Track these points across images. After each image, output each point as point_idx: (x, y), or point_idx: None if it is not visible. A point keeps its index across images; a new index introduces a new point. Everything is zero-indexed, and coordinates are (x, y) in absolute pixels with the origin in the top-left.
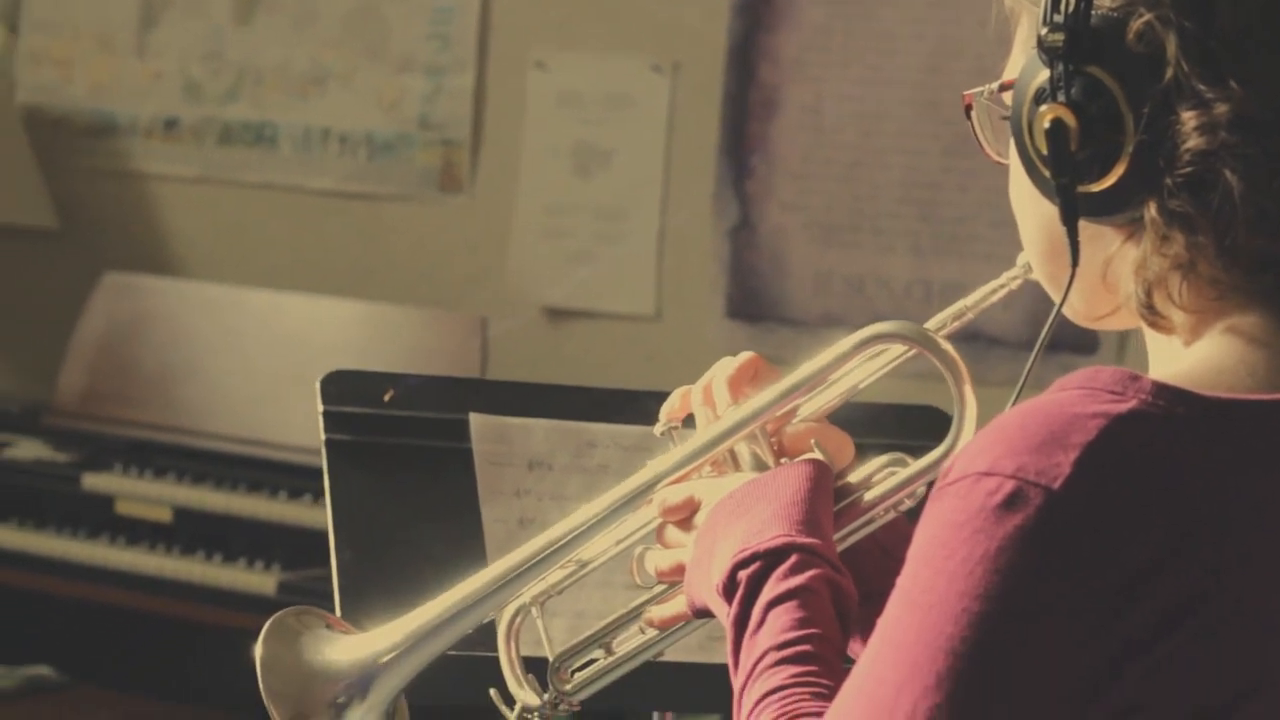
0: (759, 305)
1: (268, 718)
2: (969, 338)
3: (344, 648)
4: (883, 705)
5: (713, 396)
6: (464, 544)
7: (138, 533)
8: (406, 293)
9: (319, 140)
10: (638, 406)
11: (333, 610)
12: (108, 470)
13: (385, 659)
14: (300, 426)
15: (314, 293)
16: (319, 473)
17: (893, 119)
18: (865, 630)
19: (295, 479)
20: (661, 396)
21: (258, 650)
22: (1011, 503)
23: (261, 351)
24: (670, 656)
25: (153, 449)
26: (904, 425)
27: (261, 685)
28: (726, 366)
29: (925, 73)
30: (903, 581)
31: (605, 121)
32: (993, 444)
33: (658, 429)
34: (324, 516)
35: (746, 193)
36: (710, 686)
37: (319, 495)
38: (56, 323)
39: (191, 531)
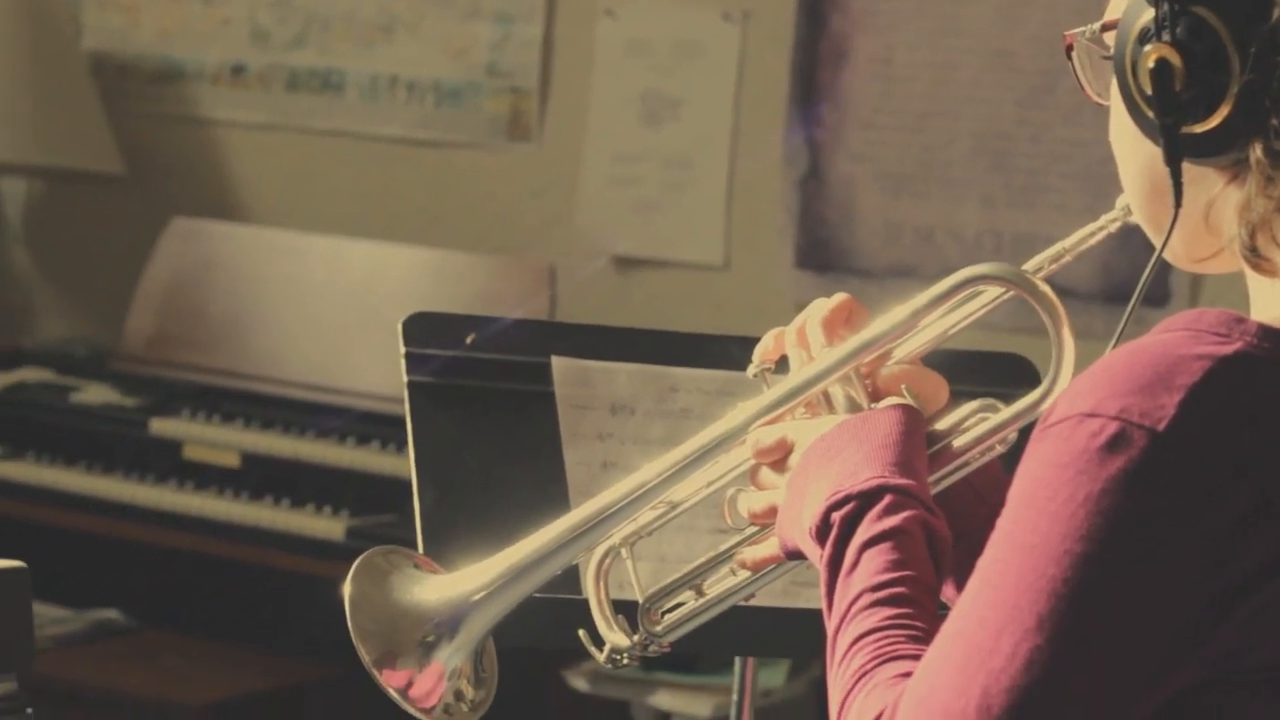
0: (828, 255)
1: (336, 660)
2: None
3: (433, 587)
4: (982, 647)
5: (807, 338)
6: (546, 487)
7: (206, 477)
8: (474, 240)
9: (386, 87)
10: (720, 351)
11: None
12: (175, 415)
13: (476, 598)
14: (369, 373)
15: (381, 240)
16: (387, 419)
17: (964, 69)
18: (958, 574)
19: (364, 425)
20: (743, 341)
21: (346, 589)
22: (1115, 444)
23: (329, 298)
24: (753, 601)
25: (220, 394)
26: (987, 372)
27: (350, 624)
28: (821, 308)
29: (997, 23)
30: (1003, 523)
31: (674, 70)
32: (1097, 385)
33: (750, 370)
34: (392, 462)
35: (816, 142)
36: (793, 632)
37: (387, 441)
38: (124, 268)
39: (259, 476)
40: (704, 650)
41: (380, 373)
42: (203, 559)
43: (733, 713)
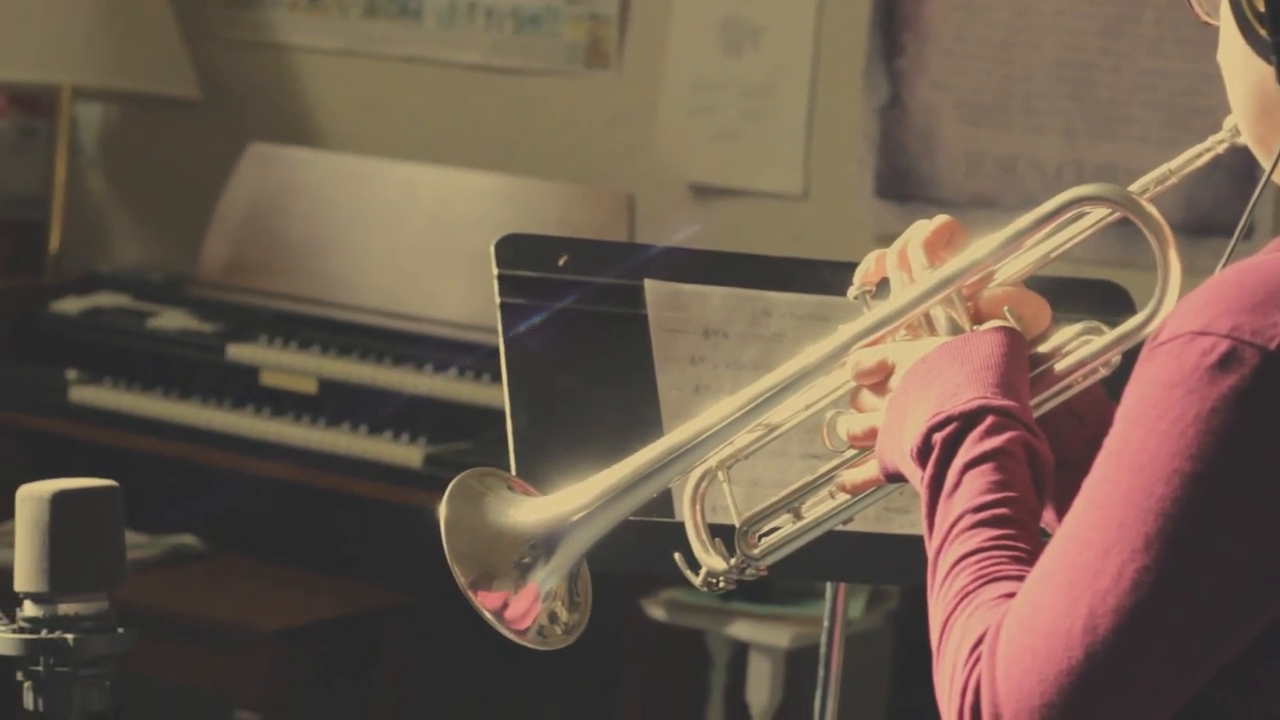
0: (908, 185)
1: (411, 587)
2: (1123, 221)
3: (529, 509)
4: (1087, 567)
5: (908, 260)
6: (637, 409)
7: (283, 403)
8: (552, 169)
9: (464, 13)
10: (812, 275)
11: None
12: (252, 341)
13: (574, 519)
14: (446, 299)
15: (458, 167)
16: (465, 346)
17: None
18: (1059, 499)
19: (442, 352)
20: (836, 265)
21: (442, 510)
22: (1226, 363)
23: (407, 225)
24: (848, 527)
25: (297, 320)
26: (1082, 299)
27: (446, 546)
28: (922, 230)
29: None
30: (1111, 442)
31: None
32: (1207, 303)
33: (851, 293)
34: (470, 389)
35: (897, 71)
36: (887, 557)
37: (465, 368)
38: (200, 193)
39: (336, 402)
40: (796, 575)
41: (458, 299)
42: (279, 485)
43: (823, 639)
